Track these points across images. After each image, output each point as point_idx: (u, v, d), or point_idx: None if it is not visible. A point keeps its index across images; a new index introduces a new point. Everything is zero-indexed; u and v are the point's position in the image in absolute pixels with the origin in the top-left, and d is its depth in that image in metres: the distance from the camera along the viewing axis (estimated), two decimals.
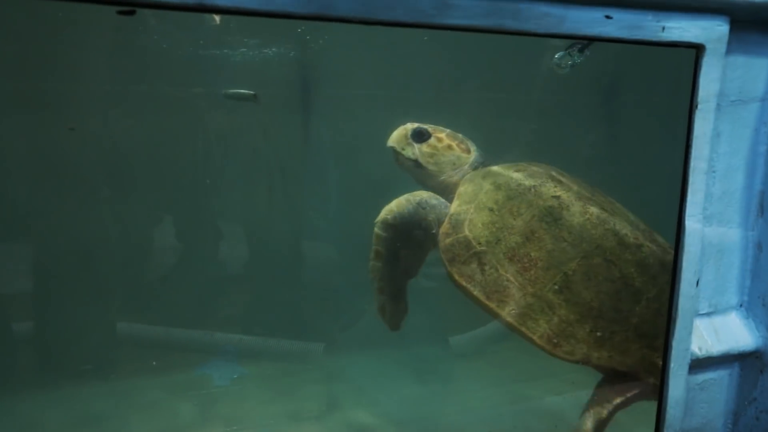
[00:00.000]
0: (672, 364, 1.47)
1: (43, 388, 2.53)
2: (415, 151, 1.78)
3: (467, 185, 1.73)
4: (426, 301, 1.92)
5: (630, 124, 3.49)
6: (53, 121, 2.62)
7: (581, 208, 1.62)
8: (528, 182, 1.67)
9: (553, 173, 1.74)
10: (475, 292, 1.54)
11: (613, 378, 1.55)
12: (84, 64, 2.66)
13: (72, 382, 2.57)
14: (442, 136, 1.79)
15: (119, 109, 2.85)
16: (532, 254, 1.55)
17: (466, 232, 1.60)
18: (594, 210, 1.62)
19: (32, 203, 2.66)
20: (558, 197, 1.63)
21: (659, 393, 1.52)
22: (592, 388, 1.62)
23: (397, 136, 1.82)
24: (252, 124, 3.06)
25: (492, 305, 1.52)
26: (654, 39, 1.28)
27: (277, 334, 2.98)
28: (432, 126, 1.83)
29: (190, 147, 3.01)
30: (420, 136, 1.79)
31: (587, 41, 1.93)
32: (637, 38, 1.27)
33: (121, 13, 0.87)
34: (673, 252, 1.59)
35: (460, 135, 1.84)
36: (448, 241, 1.61)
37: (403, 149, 1.79)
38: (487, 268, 1.55)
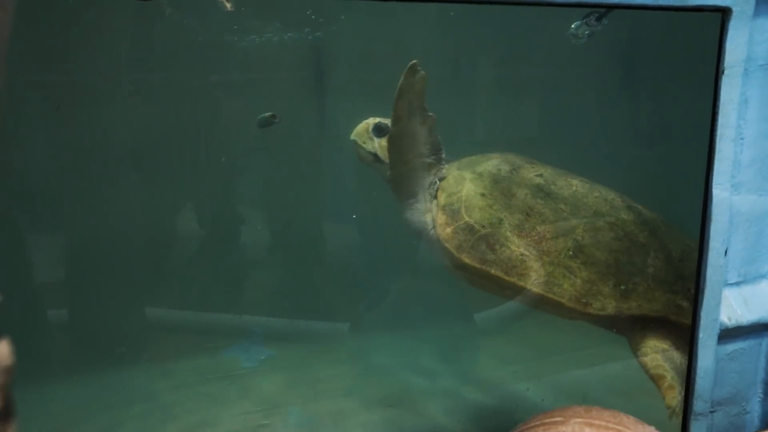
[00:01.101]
0: (701, 335, 1.47)
1: (78, 372, 2.61)
2: (375, 145, 1.83)
3: (447, 178, 1.76)
4: (450, 279, 1.93)
5: (651, 94, 3.42)
6: (77, 112, 2.66)
7: (565, 182, 1.74)
8: (506, 167, 1.76)
9: (522, 159, 1.83)
10: (494, 271, 1.56)
11: (641, 338, 1.59)
12: (103, 55, 2.69)
13: (105, 366, 2.64)
14: None
15: (138, 97, 2.87)
16: (538, 228, 1.61)
17: (466, 218, 1.63)
18: (577, 182, 1.75)
19: (61, 194, 2.71)
20: (541, 175, 1.74)
21: (688, 364, 1.52)
22: (618, 361, 1.64)
23: (358, 131, 1.87)
24: (269, 110, 3.07)
25: (514, 280, 1.56)
26: (679, 5, 1.26)
27: (302, 315, 3.02)
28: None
29: (209, 134, 3.04)
30: (380, 131, 1.83)
31: (605, 9, 1.90)
32: (662, 4, 1.24)
33: None
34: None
35: None
36: (449, 230, 1.63)
37: (364, 143, 1.85)
38: (497, 247, 1.59)
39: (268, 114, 1.79)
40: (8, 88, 0.60)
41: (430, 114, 1.69)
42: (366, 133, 1.85)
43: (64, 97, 2.63)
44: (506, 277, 1.56)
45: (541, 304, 1.62)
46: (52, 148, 2.69)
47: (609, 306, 1.55)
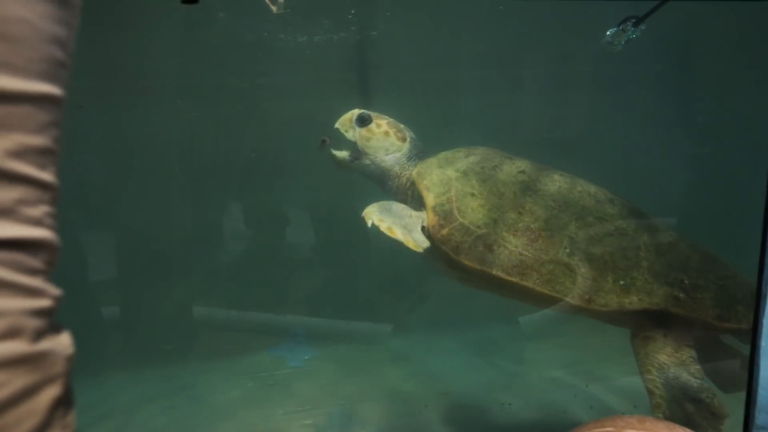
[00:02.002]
0: (762, 343, 1.39)
1: (129, 367, 2.69)
2: (356, 134, 1.83)
3: (430, 176, 1.74)
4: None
5: (706, 91, 3.29)
6: (130, 116, 2.75)
7: (548, 177, 1.74)
8: (488, 164, 1.75)
9: (496, 152, 1.82)
10: (494, 272, 1.56)
11: (649, 338, 1.59)
12: (155, 59, 2.77)
13: (154, 362, 2.71)
14: (381, 122, 1.84)
15: (189, 101, 2.95)
16: (532, 226, 1.60)
17: (461, 220, 1.62)
18: (558, 177, 1.75)
19: (115, 196, 2.80)
20: (523, 171, 1.73)
21: (748, 374, 1.44)
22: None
23: (342, 119, 1.87)
24: (315, 111, 3.10)
25: (516, 279, 1.55)
26: None
27: (346, 316, 3.03)
28: (377, 114, 1.87)
29: (256, 136, 3.08)
30: (362, 121, 1.84)
31: (642, 15, 1.84)
32: None
33: (185, 2, 0.88)
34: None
35: (401, 125, 1.88)
36: (444, 232, 1.61)
37: (347, 131, 1.85)
38: (495, 247, 1.58)
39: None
40: (69, 93, 0.62)
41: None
42: (349, 122, 1.85)
43: (117, 101, 2.72)
44: (507, 277, 1.56)
45: (544, 302, 1.61)
46: (107, 151, 2.78)
47: (612, 302, 1.55)
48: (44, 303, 0.59)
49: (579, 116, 3.55)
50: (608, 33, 2.07)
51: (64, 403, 0.60)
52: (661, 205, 3.44)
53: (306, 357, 2.82)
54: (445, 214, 1.63)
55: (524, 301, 1.65)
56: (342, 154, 1.87)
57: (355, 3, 3.05)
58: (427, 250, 1.62)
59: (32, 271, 0.59)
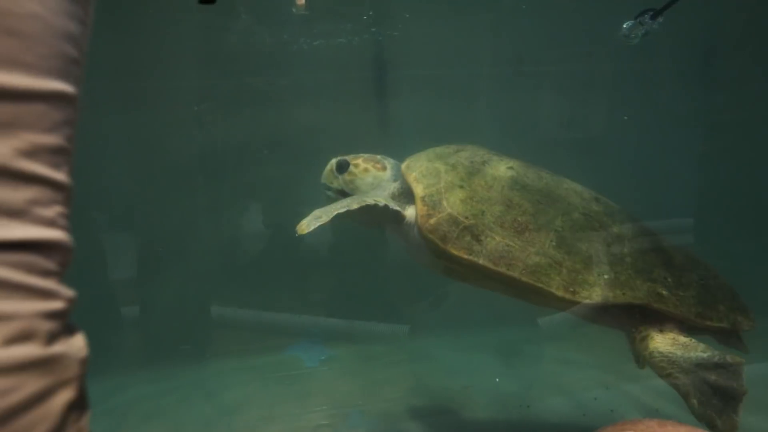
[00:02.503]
0: None
1: (147, 366, 2.72)
2: (340, 182, 1.88)
3: (419, 168, 1.76)
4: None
5: (734, 88, 3.22)
6: (151, 118, 2.77)
7: (535, 174, 1.77)
8: (477, 159, 1.78)
9: (486, 150, 1.86)
10: (481, 261, 1.57)
11: (647, 336, 1.61)
12: (177, 63, 2.79)
13: (172, 360, 2.74)
14: (358, 162, 1.88)
15: (211, 103, 2.97)
16: (519, 219, 1.63)
17: (449, 210, 1.64)
18: (545, 174, 1.78)
19: (134, 196, 2.83)
20: (512, 167, 1.76)
21: None
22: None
23: (325, 174, 1.92)
24: (335, 112, 3.10)
25: (502, 270, 1.57)
26: None
27: (363, 316, 3.03)
28: (352, 156, 1.91)
29: (275, 137, 3.09)
30: (341, 168, 1.88)
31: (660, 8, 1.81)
32: None
33: (202, 2, 0.88)
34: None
35: (377, 156, 1.92)
36: (432, 221, 1.63)
37: (332, 183, 1.90)
38: (482, 238, 1.60)
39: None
40: (86, 95, 0.62)
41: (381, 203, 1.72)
42: (331, 173, 1.90)
43: (139, 102, 2.74)
44: (494, 267, 1.57)
45: (528, 294, 1.64)
46: (126, 152, 2.81)
47: (596, 295, 1.57)
48: (57, 305, 0.59)
49: (597, 115, 3.50)
50: (624, 26, 2.05)
51: (77, 406, 0.59)
52: (679, 204, 3.39)
53: (322, 357, 2.82)
54: (433, 204, 1.65)
55: (508, 292, 1.68)
56: (336, 186, 1.92)
57: (373, 4, 3.05)
58: (410, 242, 1.70)
59: (45, 273, 0.58)
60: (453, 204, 1.65)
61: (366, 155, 1.91)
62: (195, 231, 2.93)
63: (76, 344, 0.60)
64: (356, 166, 1.87)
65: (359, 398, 2.42)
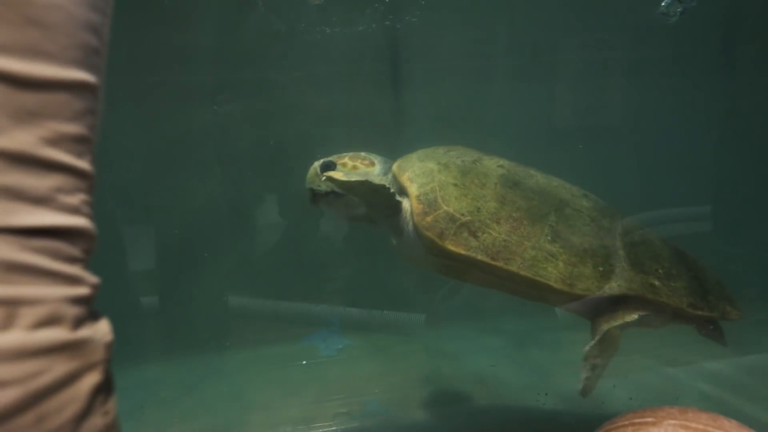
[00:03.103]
0: None
1: (167, 355, 2.76)
2: (328, 183, 1.81)
3: (412, 168, 1.77)
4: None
5: (754, 72, 3.16)
6: (166, 110, 2.79)
7: (526, 172, 1.81)
8: (468, 158, 1.80)
9: (474, 150, 1.87)
10: (480, 257, 1.59)
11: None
12: (190, 52, 2.81)
13: (192, 350, 2.77)
14: (345, 160, 1.84)
15: (226, 94, 2.98)
16: (514, 215, 1.66)
17: (445, 207, 1.65)
18: (534, 172, 1.82)
19: (152, 187, 2.86)
20: (502, 166, 1.79)
21: None
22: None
23: (309, 177, 1.86)
24: (351, 102, 3.10)
25: (500, 264, 1.59)
26: None
27: (379, 305, 3.04)
28: (336, 155, 1.87)
29: (291, 128, 3.10)
30: (328, 168, 1.83)
31: None
32: None
33: None
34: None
35: (362, 153, 1.88)
36: (429, 219, 1.64)
37: (319, 186, 1.84)
38: (479, 234, 1.62)
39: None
40: (106, 89, 0.63)
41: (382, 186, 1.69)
42: (316, 176, 1.84)
43: (157, 95, 2.76)
44: (492, 262, 1.59)
45: (525, 288, 1.66)
46: (144, 143, 2.84)
47: (593, 287, 1.60)
48: (83, 291, 0.60)
49: (615, 103, 3.46)
50: (663, 3, 2.03)
51: (104, 389, 0.61)
52: (697, 191, 3.35)
53: (339, 346, 2.84)
54: (429, 202, 1.67)
55: (504, 288, 1.72)
56: (325, 188, 1.86)
57: None
58: (404, 239, 1.71)
59: (71, 259, 0.59)
60: (448, 201, 1.66)
61: (350, 153, 1.88)
62: (212, 222, 2.95)
63: (102, 329, 0.62)
64: (344, 165, 1.83)
65: (376, 386, 2.44)
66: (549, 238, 1.64)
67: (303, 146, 3.09)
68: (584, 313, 1.73)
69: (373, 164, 1.87)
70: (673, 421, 1.06)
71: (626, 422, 1.12)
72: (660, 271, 1.67)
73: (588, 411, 2.12)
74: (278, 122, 3.09)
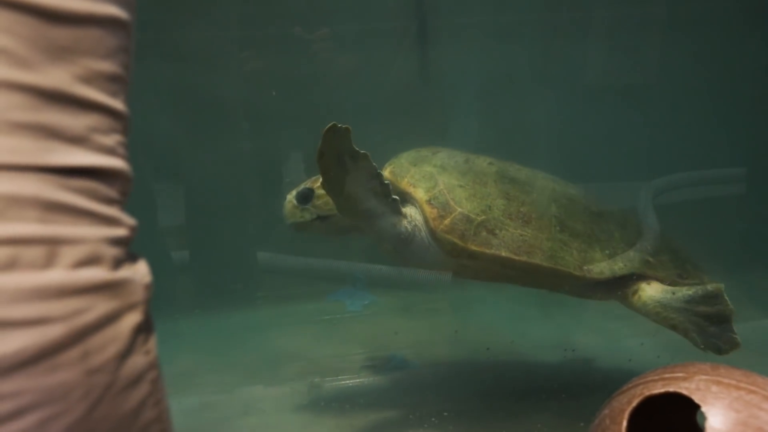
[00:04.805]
0: None
1: (198, 308, 2.83)
2: (310, 210, 1.76)
3: (409, 174, 1.75)
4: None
5: None
6: (195, 66, 2.79)
7: (512, 167, 1.85)
8: (459, 159, 1.81)
9: (457, 151, 1.88)
10: (504, 253, 1.63)
11: (638, 289, 1.77)
12: (220, 12, 2.78)
13: (222, 304, 2.84)
14: (321, 182, 1.71)
15: (250, 52, 2.95)
16: (522, 209, 1.70)
17: (459, 209, 1.66)
18: (519, 166, 1.86)
19: (182, 143, 2.88)
20: (491, 163, 1.82)
21: None
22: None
23: (288, 212, 1.78)
24: (375, 61, 3.06)
25: (524, 258, 1.64)
26: None
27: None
28: (307, 181, 1.79)
29: (318, 86, 3.07)
30: (305, 197, 1.76)
31: None
32: None
33: None
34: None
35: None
36: (447, 222, 1.65)
37: (302, 217, 1.76)
38: (497, 231, 1.65)
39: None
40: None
41: (362, 152, 1.58)
42: (295, 210, 1.76)
43: (183, 51, 2.75)
44: (516, 257, 1.63)
45: (543, 278, 1.73)
46: (172, 101, 2.85)
47: (606, 270, 1.69)
48: (121, 232, 0.61)
49: (651, 62, 3.35)
50: None
51: (144, 329, 0.62)
52: (732, 153, 3.25)
53: (366, 302, 2.87)
54: (442, 206, 1.67)
55: (519, 281, 1.79)
56: (309, 217, 1.77)
57: None
58: (413, 245, 1.69)
59: (108, 201, 0.60)
60: (460, 203, 1.68)
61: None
62: (241, 179, 2.98)
63: (140, 270, 0.63)
64: (322, 187, 1.72)
65: (402, 342, 2.47)
66: (557, 228, 1.70)
67: (328, 104, 3.08)
68: (587, 293, 1.82)
69: None
70: (704, 377, 1.05)
71: (656, 377, 1.12)
72: (648, 247, 1.79)
73: (614, 368, 2.13)
74: (303, 80, 3.06)
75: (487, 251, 1.62)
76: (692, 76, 3.17)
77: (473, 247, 1.63)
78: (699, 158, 3.16)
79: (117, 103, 0.59)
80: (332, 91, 3.07)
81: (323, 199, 1.74)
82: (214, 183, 2.83)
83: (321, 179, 1.63)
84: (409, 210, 1.71)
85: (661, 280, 1.73)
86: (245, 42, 2.94)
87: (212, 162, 2.80)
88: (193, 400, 2.06)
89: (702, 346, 1.62)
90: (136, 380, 0.59)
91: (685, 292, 1.65)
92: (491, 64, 3.09)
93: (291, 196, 1.78)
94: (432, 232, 1.67)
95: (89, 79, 0.56)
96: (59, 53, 0.54)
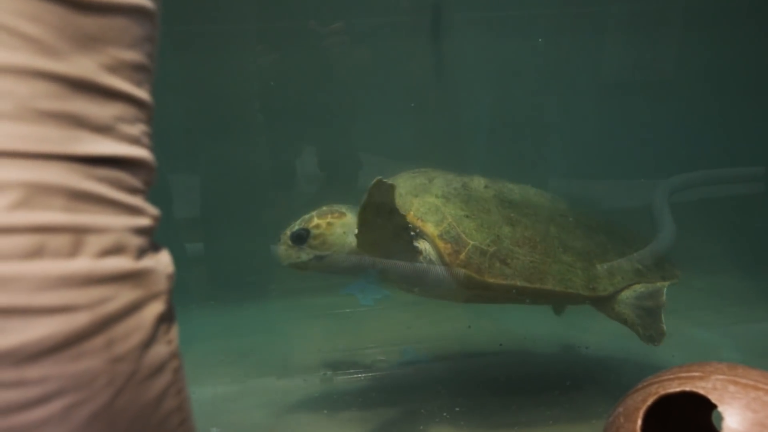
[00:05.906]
0: None
1: (212, 299, 2.85)
2: (307, 251, 1.72)
3: (414, 207, 1.73)
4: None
5: None
6: (210, 59, 2.80)
7: (505, 187, 1.86)
8: (456, 184, 1.81)
9: (446, 172, 1.89)
10: (519, 283, 1.65)
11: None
12: (235, 5, 2.79)
13: (235, 297, 2.85)
14: (315, 222, 1.71)
15: (266, 45, 2.95)
16: (526, 234, 1.72)
17: (471, 242, 1.67)
18: (510, 185, 1.89)
19: (197, 135, 2.89)
20: (487, 186, 1.83)
21: None
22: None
23: (284, 256, 1.74)
24: (389, 55, 3.05)
25: (537, 285, 1.66)
26: None
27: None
28: (300, 221, 1.74)
29: (332, 80, 3.07)
30: (300, 238, 1.71)
31: None
32: None
33: None
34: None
35: (324, 208, 1.76)
36: (462, 256, 1.66)
37: (298, 258, 1.73)
38: (509, 261, 1.67)
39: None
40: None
41: (401, 212, 1.60)
42: (290, 250, 1.72)
43: (199, 44, 2.76)
44: (530, 285, 1.65)
45: (551, 299, 1.79)
46: (188, 93, 2.86)
47: (609, 286, 1.72)
48: (145, 222, 0.61)
49: (667, 57, 3.31)
50: None
51: (167, 319, 0.62)
52: (753, 151, 3.21)
53: (378, 296, 2.87)
54: (454, 240, 1.67)
55: (528, 301, 1.80)
56: (306, 258, 1.74)
57: None
58: (427, 278, 1.70)
59: (132, 190, 0.60)
60: (471, 235, 1.68)
61: (315, 212, 1.76)
62: (254, 172, 2.99)
63: (163, 260, 0.63)
64: (317, 227, 1.71)
65: (414, 336, 2.48)
66: (561, 249, 1.73)
67: (341, 98, 3.08)
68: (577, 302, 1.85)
69: (344, 214, 1.75)
70: (721, 376, 1.04)
71: (672, 376, 1.11)
72: (634, 255, 1.84)
73: (627, 366, 2.12)
74: (316, 73, 3.06)
75: (503, 282, 1.64)
76: (711, 73, 3.13)
77: (489, 279, 1.64)
78: (716, 157, 3.13)
79: (142, 93, 0.59)
80: (346, 84, 3.07)
81: (319, 239, 1.71)
82: (228, 176, 2.85)
83: (315, 221, 1.68)
84: (423, 245, 1.71)
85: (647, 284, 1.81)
86: (261, 35, 2.95)
87: (227, 155, 2.81)
88: (206, 390, 2.08)
89: (643, 338, 1.71)
90: (158, 369, 0.60)
91: (639, 289, 1.75)
92: (503, 59, 3.08)
93: (284, 237, 1.74)
94: (448, 267, 1.67)
95: (115, 68, 0.56)
96: (86, 42, 0.54)
